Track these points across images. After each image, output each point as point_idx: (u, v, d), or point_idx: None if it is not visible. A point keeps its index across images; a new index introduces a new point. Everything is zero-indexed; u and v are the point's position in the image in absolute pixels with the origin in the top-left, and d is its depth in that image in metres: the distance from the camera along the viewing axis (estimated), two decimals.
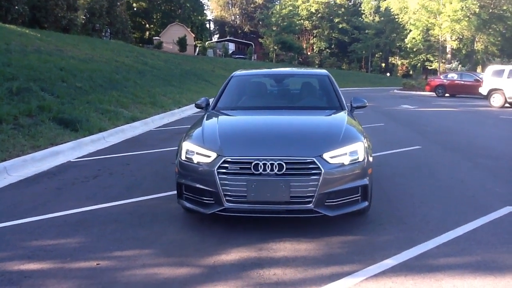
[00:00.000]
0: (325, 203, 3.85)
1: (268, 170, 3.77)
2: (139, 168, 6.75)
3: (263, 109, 5.20)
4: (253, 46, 56.47)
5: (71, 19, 31.81)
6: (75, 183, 5.90)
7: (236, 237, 3.93)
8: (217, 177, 3.85)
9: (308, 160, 3.81)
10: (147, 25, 65.36)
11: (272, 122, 4.74)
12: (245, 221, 4.20)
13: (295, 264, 3.41)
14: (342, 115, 4.82)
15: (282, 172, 3.77)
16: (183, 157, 4.17)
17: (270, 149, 3.93)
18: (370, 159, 4.21)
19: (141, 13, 63.30)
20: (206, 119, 4.76)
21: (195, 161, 4.04)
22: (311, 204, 3.79)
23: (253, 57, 55.96)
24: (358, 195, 4.02)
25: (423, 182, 5.85)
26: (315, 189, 3.76)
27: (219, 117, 4.80)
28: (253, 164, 3.79)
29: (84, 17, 37.04)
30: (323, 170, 3.77)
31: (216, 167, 3.86)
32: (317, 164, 3.78)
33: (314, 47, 60.43)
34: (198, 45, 55.17)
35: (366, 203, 4.10)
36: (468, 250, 3.65)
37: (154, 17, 67.05)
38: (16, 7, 24.26)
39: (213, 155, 3.95)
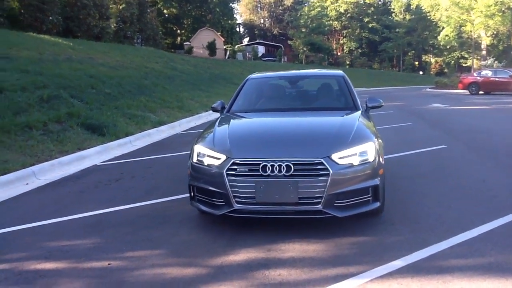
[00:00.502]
0: (334, 204, 3.84)
1: (276, 172, 3.79)
2: (160, 171, 6.88)
3: (277, 111, 5.23)
4: (283, 48, 56.46)
5: (103, 27, 32.68)
6: (98, 186, 6.09)
7: (246, 238, 3.97)
8: (226, 178, 3.90)
9: (316, 161, 3.81)
10: (178, 31, 66.42)
11: (283, 124, 4.76)
12: (255, 222, 4.23)
13: (302, 264, 3.41)
14: (355, 116, 4.78)
15: (290, 173, 3.78)
16: (195, 160, 4.24)
17: (278, 151, 3.96)
18: (381, 159, 4.17)
19: (172, 19, 64.33)
20: (219, 122, 4.83)
21: (205, 164, 4.11)
22: (319, 205, 3.79)
23: (282, 59, 55.97)
24: (369, 195, 3.98)
25: (443, 182, 5.72)
26: (323, 190, 3.76)
27: (231, 120, 4.86)
28: (261, 165, 3.83)
29: (115, 25, 37.99)
30: (331, 171, 3.76)
31: (225, 169, 3.92)
32: (325, 165, 3.78)
33: (344, 48, 59.87)
34: (228, 49, 55.61)
35: (378, 204, 4.05)
36: (482, 251, 3.56)
37: (185, 22, 68.01)
38: (50, 18, 25.15)
39: (223, 157, 4.01)
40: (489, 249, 3.59)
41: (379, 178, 4.02)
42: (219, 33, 62.38)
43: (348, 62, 57.59)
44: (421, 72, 62.76)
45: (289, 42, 58.28)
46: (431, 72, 57.27)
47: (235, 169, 3.91)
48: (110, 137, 9.26)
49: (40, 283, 3.24)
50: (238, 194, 3.89)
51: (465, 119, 13.02)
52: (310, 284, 3.10)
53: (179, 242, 3.96)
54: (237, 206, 3.91)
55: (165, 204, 5.12)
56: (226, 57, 50.94)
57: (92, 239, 4.08)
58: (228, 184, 3.90)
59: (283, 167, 3.79)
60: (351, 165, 3.89)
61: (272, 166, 3.80)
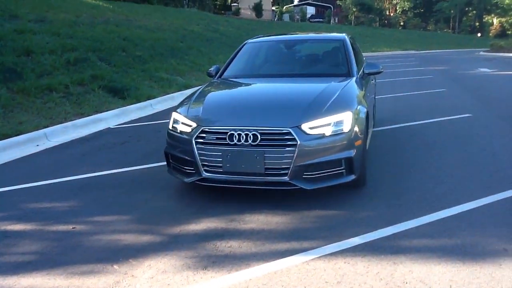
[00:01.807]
0: (303, 176, 3.70)
1: (242, 141, 3.68)
2: None
3: (268, 76, 5.04)
4: (332, 9, 54.51)
5: None
6: (101, 149, 6.22)
7: (215, 207, 3.93)
8: (195, 146, 3.84)
9: (283, 131, 3.65)
10: None
11: (263, 92, 4.60)
12: (229, 191, 4.16)
13: (257, 237, 3.34)
14: (343, 83, 4.53)
15: (257, 143, 3.66)
16: (170, 127, 4.20)
17: (247, 119, 3.83)
18: (358, 130, 3.89)
19: None
20: (202, 89, 4.74)
21: (178, 131, 4.06)
22: (286, 177, 3.66)
23: (332, 21, 54.20)
24: (342, 168, 3.80)
25: (449, 154, 5.38)
26: (290, 161, 3.62)
27: (215, 86, 4.74)
28: (228, 134, 3.73)
29: None
30: (298, 142, 3.60)
31: (194, 136, 3.86)
32: (293, 135, 3.62)
33: (397, 8, 56.78)
34: (276, 10, 54.46)
35: (353, 176, 3.87)
36: (452, 232, 3.32)
37: None
38: None
39: (194, 124, 3.94)
40: (462, 229, 3.35)
41: (354, 149, 3.81)
42: None
43: (400, 23, 54.66)
44: (479, 34, 58.66)
45: (338, 2, 56.03)
46: (490, 34, 53.36)
47: (203, 137, 3.84)
48: (131, 100, 9.40)
49: (2, 243, 3.37)
50: (206, 163, 3.83)
51: (509, 87, 12.12)
52: (254, 258, 3.02)
53: (150, 208, 3.98)
54: (205, 174, 3.86)
55: (155, 169, 5.16)
56: (276, 19, 49.96)
57: (71, 202, 4.19)
58: (196, 152, 3.84)
59: (250, 136, 3.67)
60: (323, 136, 3.70)
61: (239, 135, 3.70)
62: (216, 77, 5.30)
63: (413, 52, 32.68)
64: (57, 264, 3.01)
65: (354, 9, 51.34)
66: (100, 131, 7.46)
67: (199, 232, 3.45)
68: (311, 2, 63.10)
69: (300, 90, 4.54)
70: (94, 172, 5.10)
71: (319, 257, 3.01)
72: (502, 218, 3.54)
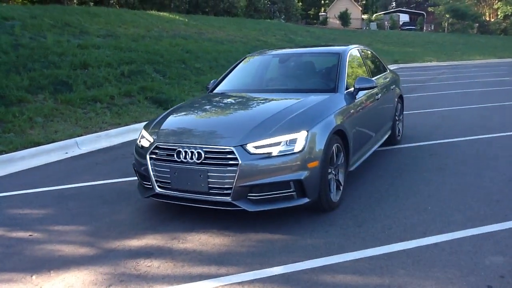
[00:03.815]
0: (248, 197, 3.55)
1: (188, 158, 3.64)
2: None
3: (252, 92, 4.91)
4: (425, 16, 51.88)
5: (231, 2, 33.80)
6: (117, 159, 6.50)
7: (168, 224, 3.91)
8: (148, 162, 3.87)
9: (226, 150, 3.55)
10: (322, 1, 65.46)
11: (225, 109, 4.51)
12: (188, 208, 4.10)
13: (183, 258, 3.26)
14: (319, 98, 4.28)
15: (201, 161, 3.59)
16: (138, 141, 4.27)
17: (195, 137, 3.79)
18: (313, 150, 3.64)
19: None
20: (181, 104, 4.75)
21: (140, 145, 4.12)
22: (229, 197, 3.54)
23: (425, 28, 51.61)
24: (291, 190, 3.58)
25: (456, 178, 4.83)
26: (232, 181, 3.49)
27: (191, 102, 4.74)
28: (176, 151, 3.71)
29: (247, 0, 38.88)
30: (240, 161, 3.47)
31: (149, 152, 3.89)
32: (235, 155, 3.49)
33: (499, 13, 52.23)
34: (365, 18, 53.29)
35: (306, 200, 3.63)
36: (389, 269, 2.97)
37: None
38: None
39: (151, 140, 3.97)
40: (402, 267, 2.98)
41: (307, 171, 3.58)
42: (359, 2, 60.00)
43: (501, 29, 50.19)
44: None
45: (429, 9, 53.07)
46: None
47: (156, 153, 3.86)
48: None
49: None
50: (159, 179, 3.84)
51: None
52: (162, 280, 2.95)
53: (109, 221, 4.06)
54: (157, 190, 3.87)
55: None
56: (365, 27, 48.89)
57: (45, 210, 4.41)
58: (150, 167, 3.87)
59: (195, 154, 3.62)
60: (268, 156, 3.52)
61: (186, 152, 3.66)
62: (208, 91, 5.30)
63: (509, 60, 29.89)
64: None
65: (447, 15, 48.28)
66: (130, 141, 7.77)
67: (133, 249, 3.45)
68: (404, 9, 60.73)
69: (264, 107, 4.38)
70: (90, 181, 5.33)
71: (226, 284, 2.86)
72: (460, 257, 3.09)
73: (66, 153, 6.95)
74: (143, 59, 12.41)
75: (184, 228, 3.78)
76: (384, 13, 57.00)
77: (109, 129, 7.99)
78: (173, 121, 4.24)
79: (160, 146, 3.84)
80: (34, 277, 3.07)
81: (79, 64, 10.38)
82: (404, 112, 7.53)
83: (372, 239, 3.43)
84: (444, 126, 7.83)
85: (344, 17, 44.62)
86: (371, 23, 47.33)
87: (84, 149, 7.13)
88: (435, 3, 51.39)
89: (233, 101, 4.72)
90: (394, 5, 75.66)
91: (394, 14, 53.75)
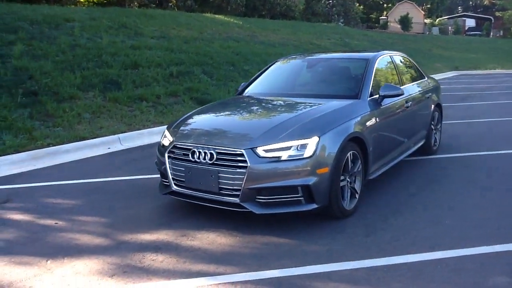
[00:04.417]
0: (256, 199, 3.62)
1: (201, 159, 3.76)
2: None
3: (276, 96, 4.96)
4: (492, 21, 49.34)
5: (288, 5, 33.86)
6: (152, 156, 6.63)
7: (183, 220, 4.05)
8: (167, 160, 4.04)
9: (237, 152, 3.64)
10: (385, 5, 64.06)
11: (243, 112, 4.58)
12: (204, 207, 4.22)
13: (187, 254, 3.38)
14: (336, 105, 4.28)
15: (213, 161, 3.71)
16: (161, 140, 4.46)
17: (209, 138, 3.90)
18: (323, 155, 3.65)
19: None
20: (208, 105, 4.90)
21: (161, 144, 4.30)
22: (237, 198, 3.63)
23: (492, 34, 49.11)
24: (299, 195, 3.61)
25: (484, 193, 4.64)
26: (241, 183, 3.58)
27: (217, 104, 4.86)
28: (191, 151, 3.85)
29: (304, 3, 38.79)
30: (249, 164, 3.55)
31: (167, 151, 4.06)
32: (244, 157, 3.58)
33: None
34: (427, 22, 51.58)
35: (314, 205, 3.65)
36: (384, 280, 2.93)
37: None
38: None
39: (171, 139, 4.14)
40: (398, 281, 2.94)
41: (316, 177, 3.59)
42: (423, 6, 58.16)
43: None
44: None
45: (497, 13, 50.35)
46: None
47: (174, 152, 4.02)
48: None
49: None
50: (175, 177, 4.00)
51: None
52: (162, 274, 3.08)
53: (128, 215, 4.26)
54: (174, 188, 4.02)
55: None
56: (427, 32, 47.35)
57: (74, 201, 4.69)
58: (168, 166, 4.03)
59: (208, 155, 3.74)
60: (277, 160, 3.58)
61: (199, 152, 3.79)
62: (236, 94, 5.42)
63: None
64: (9, 252, 3.47)
65: None
66: None
67: (144, 243, 3.62)
68: (470, 14, 58.11)
69: (282, 111, 4.41)
70: (121, 176, 5.60)
71: (219, 283, 2.94)
72: (462, 274, 2.99)
73: (109, 148, 7.32)
74: (193, 60, 12.76)
75: (196, 226, 3.91)
76: (448, 18, 54.85)
77: (152, 127, 8.31)
78: (193, 122, 4.39)
79: (178, 146, 3.99)
80: (49, 262, 3.31)
81: (130, 64, 10.86)
82: (448, 121, 7.30)
83: (377, 249, 3.39)
84: (489, 137, 7.48)
85: (404, 21, 43.34)
86: (433, 27, 45.69)
87: (125, 145, 7.47)
88: (504, 7, 48.70)
89: (254, 104, 4.80)
90: (460, 9, 72.61)
91: (459, 18, 51.56)
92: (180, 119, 4.57)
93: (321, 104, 4.37)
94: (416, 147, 5.67)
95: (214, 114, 4.62)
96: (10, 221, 4.15)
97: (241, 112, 4.61)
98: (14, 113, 7.41)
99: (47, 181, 5.44)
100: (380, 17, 54.25)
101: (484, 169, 5.51)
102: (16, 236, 3.81)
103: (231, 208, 3.72)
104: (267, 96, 4.98)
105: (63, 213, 4.35)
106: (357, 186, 4.14)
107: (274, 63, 5.74)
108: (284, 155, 3.59)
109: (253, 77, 5.59)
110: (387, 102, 4.70)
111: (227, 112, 4.65)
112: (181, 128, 4.24)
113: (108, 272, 3.14)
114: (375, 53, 5.21)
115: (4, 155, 6.19)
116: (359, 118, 4.18)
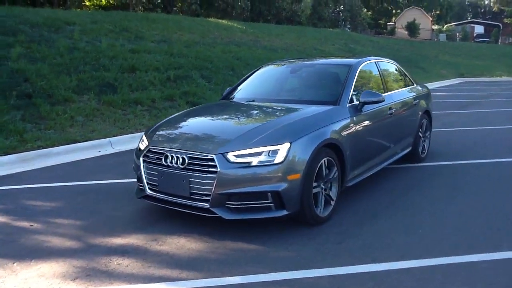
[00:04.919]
0: (226, 205, 3.61)
1: (173, 163, 3.76)
2: None
3: (257, 101, 4.94)
4: (501, 28, 49.03)
5: (294, 10, 33.91)
6: None
7: (157, 224, 4.04)
8: (141, 164, 4.05)
9: (207, 157, 3.63)
10: (394, 11, 63.97)
11: (218, 117, 4.59)
12: (183, 212, 4.20)
13: (153, 259, 3.36)
14: (314, 111, 4.26)
15: (184, 166, 3.71)
16: (138, 145, 4.46)
17: (182, 143, 3.91)
18: (295, 161, 3.62)
19: None
20: (184, 111, 4.90)
21: (138, 148, 4.31)
22: (207, 203, 3.62)
23: (500, 40, 48.78)
24: (269, 201, 3.59)
25: (468, 201, 4.59)
26: (211, 188, 3.57)
27: (196, 109, 4.87)
28: (164, 155, 3.85)
29: (311, 8, 38.83)
30: (219, 169, 3.54)
31: (142, 155, 4.06)
32: (215, 162, 3.57)
33: None
34: (435, 29, 51.37)
35: (284, 212, 3.63)
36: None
37: (400, 1, 64.94)
38: (239, 3, 27.46)
39: (146, 143, 4.15)
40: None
41: (286, 183, 3.57)
42: (432, 13, 57.96)
43: None
44: None
45: (505, 20, 50.02)
46: None
47: (148, 156, 4.02)
48: None
49: None
50: (150, 181, 4.00)
51: None
52: (124, 279, 3.08)
53: (105, 217, 4.27)
54: (148, 192, 4.02)
55: None
56: (435, 39, 47.17)
57: (55, 203, 4.71)
58: (143, 170, 4.04)
59: (180, 159, 3.73)
60: (247, 166, 3.56)
61: (172, 157, 3.79)
62: (221, 98, 5.42)
63: None
64: None
65: None
66: None
67: (113, 246, 3.61)
68: (479, 20, 57.79)
69: (258, 116, 4.41)
70: (108, 179, 5.62)
71: None
72: (424, 285, 2.95)
73: (99, 151, 7.35)
74: (192, 64, 12.81)
75: (169, 231, 3.90)
76: (456, 24, 54.57)
77: (143, 131, 8.34)
78: (170, 126, 4.39)
79: (152, 150, 4.00)
80: (15, 264, 3.31)
81: (127, 68, 10.92)
82: (443, 129, 7.21)
83: (346, 257, 3.36)
84: (482, 145, 7.40)
85: (411, 27, 43.22)
86: (441, 34, 45.46)
87: (117, 149, 7.50)
88: (509, 14, 48.35)
89: (234, 109, 4.80)
90: (469, 16, 72.22)
91: (467, 25, 51.28)
92: (159, 124, 4.58)
93: (298, 109, 4.35)
94: (401, 154, 5.63)
95: (192, 119, 4.61)
96: None
97: (219, 117, 4.61)
98: (7, 115, 7.47)
99: (33, 183, 5.47)
100: (388, 23, 54.11)
101: (471, 177, 5.45)
102: None
103: (201, 213, 3.71)
104: (249, 101, 4.97)
105: (41, 215, 4.36)
106: (333, 193, 4.11)
107: (259, 68, 5.74)
108: (255, 160, 3.57)
109: (238, 82, 5.59)
110: (368, 108, 4.67)
111: (205, 117, 4.64)
112: (157, 132, 4.25)
113: (71, 275, 3.14)
114: (358, 60, 5.19)
115: None
116: (336, 124, 4.16)
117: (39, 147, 6.85)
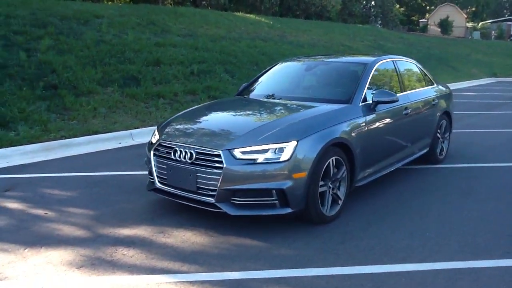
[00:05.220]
0: (231, 200, 3.65)
1: (181, 158, 3.83)
2: None
3: (271, 98, 4.96)
4: None
5: (323, 5, 33.55)
6: None
7: (166, 217, 4.13)
8: (152, 157, 4.13)
9: (214, 153, 3.68)
10: (428, 7, 62.59)
11: (230, 114, 4.62)
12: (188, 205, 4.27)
13: (158, 251, 3.44)
14: (325, 109, 4.26)
15: (192, 161, 3.77)
16: (151, 138, 4.55)
17: (191, 138, 3.97)
18: (301, 160, 3.63)
19: None
20: (198, 106, 4.96)
21: (150, 141, 4.40)
22: (213, 198, 3.67)
23: None
24: (274, 198, 3.61)
25: (479, 205, 4.49)
26: (217, 183, 3.62)
27: (207, 104, 4.92)
28: (173, 149, 3.92)
29: (341, 3, 38.32)
30: (225, 165, 3.58)
31: (153, 148, 4.15)
32: (221, 158, 3.62)
33: None
34: (469, 26, 49.99)
35: (288, 210, 3.65)
36: None
37: None
38: None
39: (158, 137, 4.23)
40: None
41: (292, 181, 3.59)
42: (467, 9, 56.43)
43: None
44: None
45: None
46: None
47: (158, 150, 4.10)
48: None
49: None
50: (159, 175, 4.08)
51: None
52: (128, 269, 3.16)
53: (117, 208, 4.36)
54: (158, 185, 4.10)
55: None
56: (469, 36, 45.95)
57: (73, 192, 4.86)
58: (153, 163, 4.12)
59: (188, 154, 3.80)
60: (253, 162, 3.59)
61: (181, 152, 3.85)
62: (235, 94, 5.45)
63: None
64: None
65: None
66: None
67: (121, 237, 3.71)
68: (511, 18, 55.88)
69: (268, 114, 4.42)
70: (126, 171, 5.75)
71: (178, 281, 2.99)
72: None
73: (120, 143, 7.51)
74: (216, 59, 12.88)
75: (176, 223, 3.97)
76: (492, 22, 52.92)
77: None
78: (182, 121, 4.46)
79: (163, 144, 4.07)
80: (26, 250, 3.45)
81: (152, 61, 11.08)
82: (466, 130, 7.04)
83: (347, 257, 3.35)
84: (503, 148, 7.20)
85: (444, 25, 42.16)
86: (475, 32, 44.19)
87: (137, 141, 7.65)
88: None
89: (246, 106, 4.83)
90: (506, 14, 69.80)
91: (503, 23, 49.65)
92: (171, 118, 4.65)
93: (310, 107, 4.35)
94: (416, 155, 5.54)
95: (203, 114, 4.67)
96: (4, 209, 4.35)
97: (230, 113, 4.64)
98: (32, 105, 7.72)
99: (53, 172, 5.65)
100: (420, 20, 52.95)
101: (486, 181, 5.33)
102: (5, 224, 3.99)
103: (206, 208, 3.77)
104: (262, 98, 4.99)
105: (56, 204, 4.51)
106: (341, 192, 4.10)
107: (275, 65, 5.75)
108: (261, 157, 3.60)
109: (254, 78, 5.62)
110: (381, 108, 4.62)
111: (216, 113, 4.69)
112: (169, 126, 4.32)
113: (77, 263, 3.24)
114: (375, 58, 5.13)
115: (17, 146, 6.47)
116: (346, 123, 4.14)
117: (62, 137, 7.05)
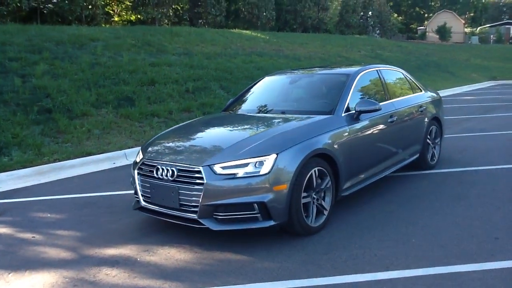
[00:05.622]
0: (214, 216, 3.65)
1: (163, 175, 3.84)
2: None
3: (255, 113, 5.00)
4: None
5: (320, 18, 33.80)
6: None
7: (151, 235, 4.12)
8: (136, 176, 4.15)
9: (195, 169, 3.69)
10: (426, 15, 62.92)
11: (211, 130, 4.64)
12: (173, 224, 4.27)
13: (140, 270, 3.44)
14: (306, 121, 4.27)
15: (173, 178, 3.78)
16: (135, 158, 4.57)
17: (172, 155, 3.99)
18: (281, 172, 3.63)
19: (419, 2, 61.29)
20: (183, 123, 5.00)
21: (135, 161, 4.42)
22: (195, 214, 3.67)
23: None
24: (255, 212, 3.61)
25: (469, 211, 4.46)
26: (198, 199, 3.63)
27: (190, 122, 4.96)
28: (155, 168, 3.94)
29: (338, 16, 38.58)
30: (205, 181, 3.59)
31: (137, 167, 4.17)
32: (202, 174, 3.63)
33: None
34: (467, 31, 50.15)
35: (271, 222, 3.64)
36: None
37: (432, 4, 63.98)
38: (265, 14, 27.63)
39: (141, 156, 4.26)
40: None
41: (272, 194, 3.59)
42: (466, 15, 56.63)
43: None
44: None
45: None
46: None
47: (142, 169, 4.12)
48: None
49: None
50: (144, 193, 4.10)
51: None
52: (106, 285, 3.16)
53: (104, 229, 4.37)
54: (143, 203, 4.12)
55: None
56: (468, 42, 46.08)
57: (62, 215, 4.87)
58: (137, 182, 4.14)
59: (169, 172, 3.81)
60: (234, 177, 3.60)
61: (162, 169, 3.87)
62: (221, 110, 5.48)
63: None
64: None
65: None
66: None
67: (105, 257, 3.71)
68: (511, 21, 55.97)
69: (249, 128, 4.44)
70: (117, 191, 5.77)
71: None
72: None
73: (114, 163, 7.54)
74: (211, 76, 12.97)
75: (161, 241, 3.97)
76: (490, 26, 53.04)
77: None
78: (164, 139, 4.49)
79: (145, 163, 4.10)
80: (10, 274, 3.46)
81: (147, 81, 11.18)
82: (460, 135, 7.00)
83: (329, 268, 3.33)
84: (497, 152, 7.16)
85: (442, 31, 42.31)
86: (473, 36, 44.29)
87: (131, 160, 7.64)
88: None
89: (229, 121, 4.86)
90: (505, 18, 69.90)
91: (501, 26, 49.76)
92: (154, 137, 4.68)
93: (292, 120, 4.37)
94: (407, 161, 5.53)
95: (186, 132, 4.70)
96: None
97: (213, 129, 4.67)
98: (27, 130, 7.79)
99: (45, 195, 5.68)
100: (418, 28, 53.23)
101: (478, 186, 5.29)
102: None
103: (190, 224, 3.77)
104: (247, 113, 5.02)
105: (45, 227, 4.52)
106: (326, 202, 4.09)
107: (261, 79, 5.79)
108: (241, 172, 3.61)
109: (240, 93, 5.65)
110: (365, 117, 4.63)
111: (199, 130, 4.72)
112: (152, 145, 4.35)
113: (59, 285, 3.24)
114: (358, 68, 5.15)
115: (10, 171, 6.51)
116: (329, 134, 4.15)
117: (55, 160, 7.09)
